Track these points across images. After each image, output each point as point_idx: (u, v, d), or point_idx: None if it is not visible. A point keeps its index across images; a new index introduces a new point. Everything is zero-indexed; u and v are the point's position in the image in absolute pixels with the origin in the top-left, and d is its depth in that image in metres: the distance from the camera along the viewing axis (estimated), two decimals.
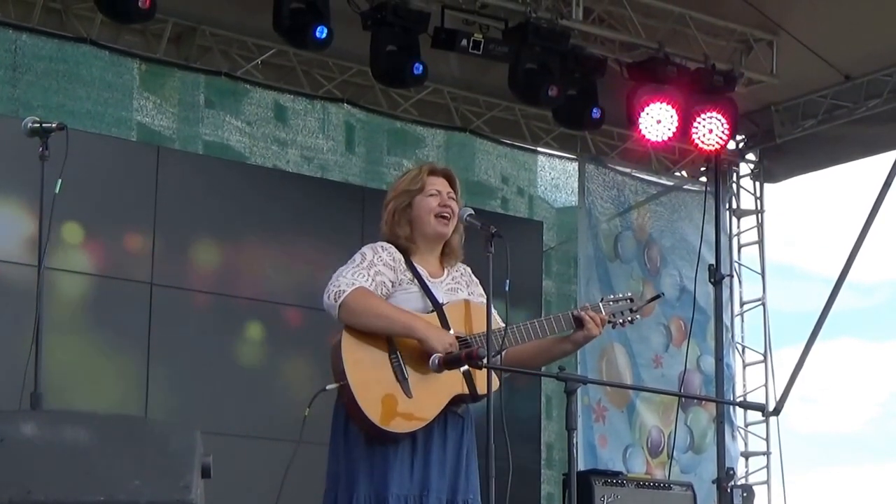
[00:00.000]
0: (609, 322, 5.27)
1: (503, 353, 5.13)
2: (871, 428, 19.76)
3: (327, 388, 4.95)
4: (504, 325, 5.13)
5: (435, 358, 4.90)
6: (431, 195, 5.21)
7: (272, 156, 10.11)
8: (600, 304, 5.29)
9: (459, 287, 5.26)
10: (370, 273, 5.05)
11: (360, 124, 10.59)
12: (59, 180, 5.49)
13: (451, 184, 5.30)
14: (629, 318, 5.33)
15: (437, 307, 5.11)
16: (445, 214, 5.20)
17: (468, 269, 5.35)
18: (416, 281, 5.13)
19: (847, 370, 18.97)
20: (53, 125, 5.56)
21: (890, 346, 20.20)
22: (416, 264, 5.18)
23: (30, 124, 5.60)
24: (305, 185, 9.97)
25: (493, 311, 5.13)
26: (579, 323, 5.20)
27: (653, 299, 5.84)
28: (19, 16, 9.12)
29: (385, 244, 5.18)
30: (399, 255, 5.16)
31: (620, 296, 5.38)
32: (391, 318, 4.99)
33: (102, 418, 3.67)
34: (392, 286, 5.10)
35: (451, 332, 5.08)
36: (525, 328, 5.14)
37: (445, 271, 5.26)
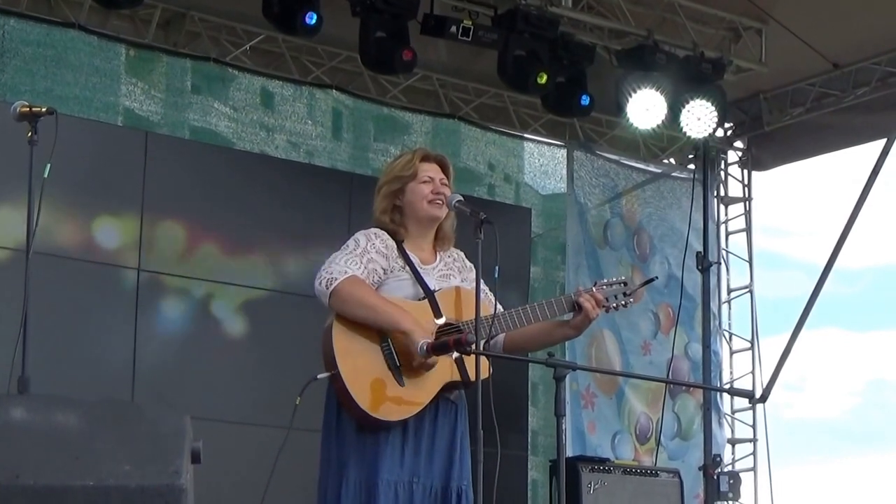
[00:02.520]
0: (602, 306, 5.27)
1: (503, 336, 5.15)
2: (853, 417, 19.88)
3: (318, 377, 4.95)
4: (499, 308, 5.14)
5: (423, 344, 4.91)
6: (424, 182, 5.21)
7: (259, 142, 10.09)
8: (593, 289, 5.29)
9: (452, 273, 5.25)
10: (363, 261, 5.05)
11: (347, 110, 10.57)
12: (48, 165, 5.47)
13: (444, 170, 5.29)
14: (622, 303, 5.33)
15: (429, 294, 5.11)
16: (438, 201, 5.20)
17: (462, 254, 5.35)
18: (407, 268, 5.13)
19: (830, 359, 19.05)
20: (43, 109, 5.55)
21: (872, 337, 20.31)
22: (408, 251, 5.17)
23: (19, 108, 5.58)
24: (293, 171, 9.96)
25: (489, 294, 5.13)
26: (577, 307, 5.20)
27: (646, 283, 5.85)
28: (7, 0, 9.09)
29: (378, 231, 5.18)
30: (392, 242, 5.15)
31: (614, 280, 5.38)
32: (379, 309, 4.98)
33: (91, 403, 3.66)
34: (384, 273, 5.10)
35: (443, 318, 5.08)
36: (516, 314, 5.14)
37: (438, 257, 5.26)
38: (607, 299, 5.29)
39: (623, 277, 5.44)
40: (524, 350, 5.39)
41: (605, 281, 5.37)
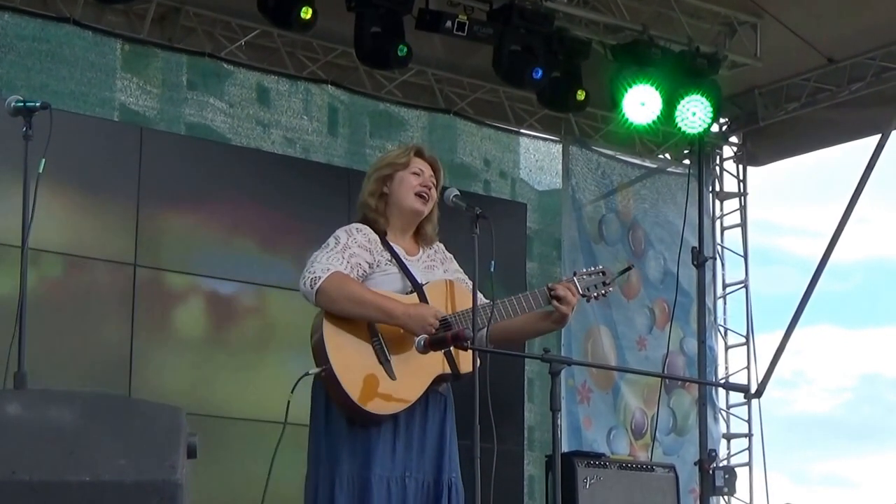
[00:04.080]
0: (584, 296, 5.29)
1: (488, 329, 5.14)
2: (846, 411, 19.95)
3: (310, 372, 4.94)
4: (486, 301, 5.14)
5: (420, 339, 4.89)
6: (414, 173, 5.22)
7: (255, 137, 10.10)
8: (574, 279, 5.30)
9: (435, 265, 5.25)
10: (345, 256, 5.04)
11: (343, 106, 10.57)
12: (43, 160, 5.47)
13: (435, 171, 5.29)
14: (602, 292, 5.35)
15: (417, 287, 5.10)
16: (424, 194, 5.20)
17: (441, 246, 5.35)
18: (394, 261, 5.13)
19: (824, 355, 19.13)
20: (37, 104, 5.53)
21: (865, 333, 20.39)
22: (391, 243, 5.17)
23: (13, 103, 5.57)
24: (289, 167, 9.96)
25: (468, 282, 5.14)
26: (555, 298, 5.21)
27: (623, 271, 5.87)
28: None
29: (359, 225, 5.17)
30: (374, 236, 5.14)
31: (593, 269, 5.40)
32: (369, 303, 4.98)
33: (87, 398, 3.66)
34: (370, 267, 5.09)
35: None
36: (504, 305, 5.14)
37: (421, 249, 5.26)
38: (588, 289, 5.31)
39: (601, 266, 5.46)
40: (509, 344, 5.39)
41: (585, 271, 5.38)
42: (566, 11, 10.14)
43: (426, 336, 4.90)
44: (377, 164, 5.33)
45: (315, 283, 4.95)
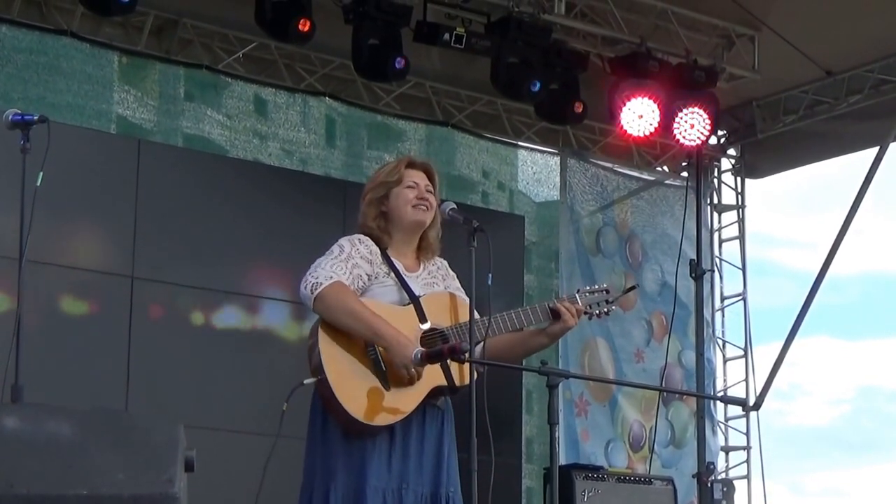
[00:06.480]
0: (586, 313, 5.27)
1: (481, 345, 5.13)
2: (844, 424, 19.97)
3: (304, 382, 4.93)
4: (481, 316, 5.13)
5: (417, 352, 4.89)
6: (409, 187, 5.19)
7: (253, 149, 10.10)
8: (577, 296, 5.29)
9: (436, 281, 5.24)
10: (348, 266, 5.03)
11: (340, 118, 10.57)
12: (41, 173, 5.46)
13: (430, 178, 5.27)
14: (605, 310, 5.34)
15: (414, 299, 5.09)
16: (422, 205, 5.19)
17: (445, 263, 5.33)
18: (392, 274, 5.12)
19: (822, 367, 19.15)
20: (35, 118, 5.53)
21: (863, 345, 20.40)
22: (392, 258, 5.16)
23: (11, 117, 5.57)
24: (286, 179, 9.96)
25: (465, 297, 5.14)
26: (556, 315, 5.20)
27: (628, 290, 5.88)
28: None
29: (362, 237, 5.16)
30: (375, 249, 5.14)
31: (597, 287, 5.39)
32: (363, 320, 4.95)
33: (85, 411, 3.65)
34: (368, 279, 5.08)
35: (427, 323, 5.06)
36: (502, 319, 5.13)
37: (422, 266, 5.24)
38: (590, 306, 5.30)
39: (606, 285, 5.44)
40: (502, 359, 5.37)
41: (588, 288, 5.37)
42: (564, 24, 10.15)
43: (422, 349, 4.90)
44: (370, 184, 5.29)
45: (316, 289, 4.95)
